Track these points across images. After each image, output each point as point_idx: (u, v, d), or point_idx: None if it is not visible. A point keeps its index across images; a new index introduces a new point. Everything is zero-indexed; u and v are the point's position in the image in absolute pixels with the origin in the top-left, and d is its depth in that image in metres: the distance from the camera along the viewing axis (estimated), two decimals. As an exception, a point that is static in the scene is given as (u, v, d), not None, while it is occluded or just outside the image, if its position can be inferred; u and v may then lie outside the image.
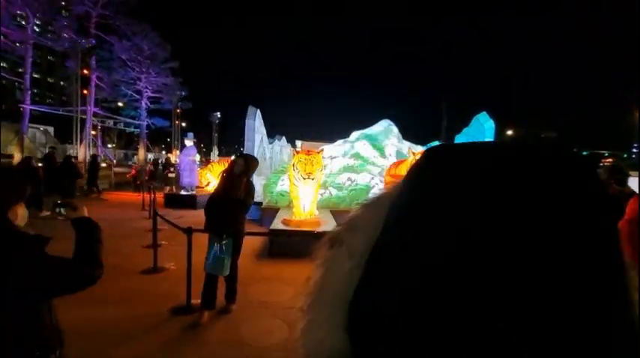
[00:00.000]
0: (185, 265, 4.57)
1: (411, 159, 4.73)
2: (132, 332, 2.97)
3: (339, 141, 8.37)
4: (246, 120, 8.79)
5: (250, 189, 3.25)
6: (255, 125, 8.84)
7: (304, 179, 5.41)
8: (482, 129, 9.04)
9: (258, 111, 9.05)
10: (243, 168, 3.15)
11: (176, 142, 31.90)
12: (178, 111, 31.31)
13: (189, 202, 10.15)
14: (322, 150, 5.78)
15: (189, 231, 3.39)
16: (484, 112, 9.26)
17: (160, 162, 21.30)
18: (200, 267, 3.72)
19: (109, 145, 35.43)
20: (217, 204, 3.10)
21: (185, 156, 10.48)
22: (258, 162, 3.38)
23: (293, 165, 5.60)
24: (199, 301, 3.42)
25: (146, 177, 13.90)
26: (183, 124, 35.47)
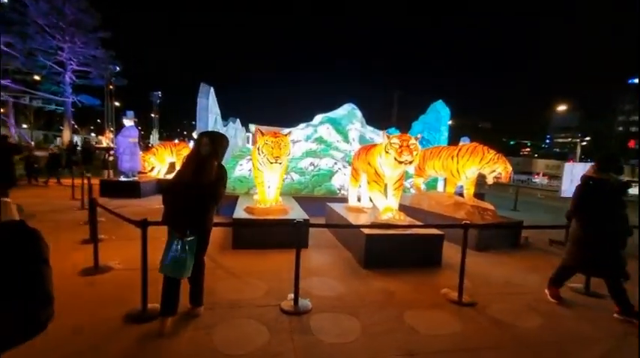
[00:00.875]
0: (133, 263, 3.98)
1: (386, 143, 4.57)
2: (79, 347, 2.39)
3: (302, 125, 7.97)
4: (199, 99, 7.93)
5: (223, 175, 2.77)
6: (209, 104, 8.03)
7: (271, 163, 4.97)
8: (439, 116, 9.32)
9: (212, 89, 8.22)
10: (210, 149, 2.64)
11: (110, 123, 28.44)
12: (111, 88, 27.77)
13: (132, 190, 9.03)
14: (290, 132, 5.36)
15: (143, 224, 2.82)
16: (440, 101, 9.55)
17: (76, 144, 18.75)
18: (154, 265, 3.19)
19: (24, 125, 30.31)
20: (182, 193, 2.58)
21: (124, 138, 9.20)
22: (228, 141, 2.89)
23: (258, 149, 5.12)
24: (157, 305, 2.92)
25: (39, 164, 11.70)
26: (117, 104, 31.70)
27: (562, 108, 64.43)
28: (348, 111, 8.25)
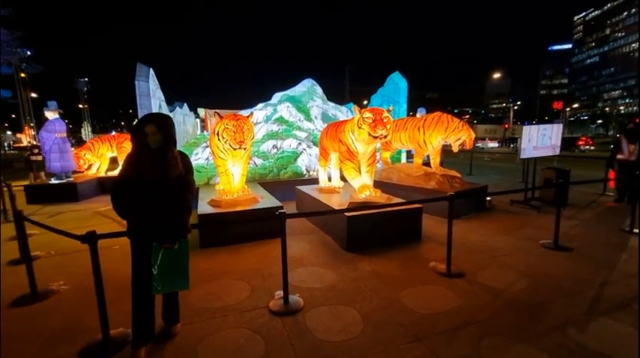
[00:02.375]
0: (82, 281, 3.38)
1: (358, 117, 4.30)
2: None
3: (260, 105, 7.37)
4: (137, 82, 6.91)
5: (188, 163, 2.28)
6: (150, 88, 7.05)
7: (234, 149, 4.47)
8: (397, 88, 9.25)
9: (151, 70, 7.21)
10: (162, 137, 2.09)
11: (28, 118, 24.62)
12: (23, 76, 23.79)
13: (67, 193, 7.84)
14: (252, 114, 4.84)
15: (90, 239, 2.27)
16: (397, 72, 9.44)
17: None
18: (108, 280, 2.70)
19: None
20: (153, 196, 2.05)
21: (49, 133, 7.84)
22: (173, 122, 2.33)
23: (217, 135, 4.56)
24: (121, 330, 2.45)
25: None
26: (35, 95, 27.44)
27: (496, 76, 69.64)
28: (307, 88, 7.79)
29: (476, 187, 6.08)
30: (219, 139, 4.57)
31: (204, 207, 4.72)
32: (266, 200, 5.13)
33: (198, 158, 6.93)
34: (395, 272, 3.54)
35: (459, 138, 5.99)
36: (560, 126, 6.30)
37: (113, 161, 9.86)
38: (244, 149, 4.61)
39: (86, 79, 29.46)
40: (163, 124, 2.09)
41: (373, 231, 4.30)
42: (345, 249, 4.20)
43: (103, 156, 9.47)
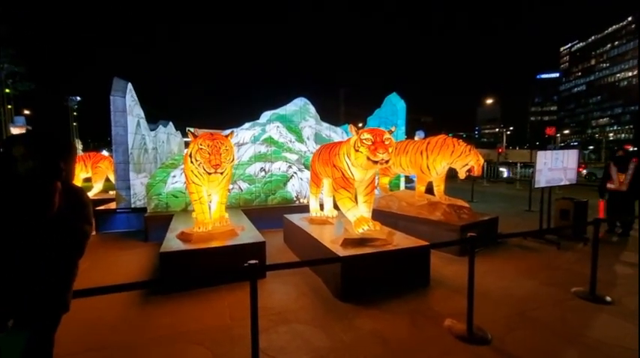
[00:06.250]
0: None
1: (355, 139, 3.68)
2: None
3: (247, 124, 6.78)
4: (112, 97, 6.31)
5: (82, 206, 1.45)
6: (127, 104, 6.44)
7: (210, 174, 3.79)
8: (394, 109, 8.78)
9: (130, 85, 6.64)
10: (32, 165, 1.30)
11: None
12: (8, 91, 23.13)
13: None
14: (232, 132, 4.20)
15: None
16: (395, 93, 9.01)
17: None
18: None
19: None
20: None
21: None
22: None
23: (190, 156, 3.89)
24: None
25: None
26: (27, 112, 26.82)
27: (488, 101, 71.30)
28: (299, 107, 7.25)
29: (487, 219, 5.41)
30: (191, 162, 3.89)
31: (171, 241, 3.96)
32: (247, 233, 4.38)
33: (176, 181, 6.20)
34: (402, 334, 2.78)
35: (466, 164, 5.40)
36: (576, 152, 5.74)
37: (86, 182, 9.07)
38: (221, 173, 3.93)
39: (77, 98, 28.73)
40: (38, 146, 1.34)
41: (373, 275, 3.56)
42: (338, 297, 3.43)
43: (76, 178, 8.68)
